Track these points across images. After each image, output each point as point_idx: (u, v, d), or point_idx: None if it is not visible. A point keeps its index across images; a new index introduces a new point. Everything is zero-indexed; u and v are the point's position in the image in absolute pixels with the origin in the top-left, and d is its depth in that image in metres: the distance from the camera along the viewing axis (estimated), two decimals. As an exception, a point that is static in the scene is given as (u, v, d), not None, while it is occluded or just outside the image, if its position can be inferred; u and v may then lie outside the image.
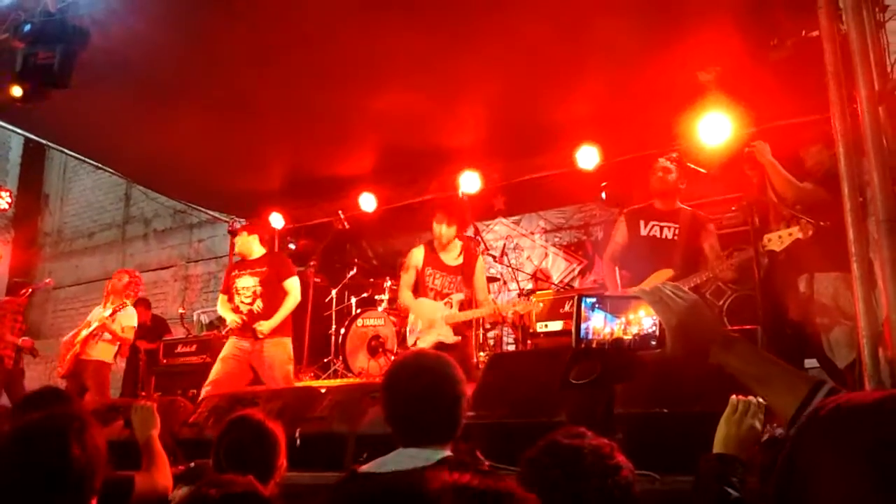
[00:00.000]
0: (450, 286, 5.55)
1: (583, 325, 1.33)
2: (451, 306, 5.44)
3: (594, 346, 1.33)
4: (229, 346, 5.93)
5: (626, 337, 1.35)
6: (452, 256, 5.62)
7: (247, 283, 6.03)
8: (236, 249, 6.49)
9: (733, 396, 1.91)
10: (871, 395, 0.85)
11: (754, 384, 1.29)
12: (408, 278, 5.68)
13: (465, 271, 5.59)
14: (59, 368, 7.01)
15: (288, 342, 6.01)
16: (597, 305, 1.35)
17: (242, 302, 6.00)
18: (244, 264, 6.22)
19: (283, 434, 2.69)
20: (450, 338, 5.36)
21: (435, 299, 5.54)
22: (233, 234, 6.76)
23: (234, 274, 6.22)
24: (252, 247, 6.21)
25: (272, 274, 6.05)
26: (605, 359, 1.38)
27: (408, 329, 5.69)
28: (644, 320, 1.36)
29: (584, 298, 1.34)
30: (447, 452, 2.15)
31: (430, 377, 2.22)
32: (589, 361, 1.40)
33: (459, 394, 2.24)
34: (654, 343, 1.36)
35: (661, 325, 1.34)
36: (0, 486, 1.87)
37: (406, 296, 5.67)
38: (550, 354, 3.97)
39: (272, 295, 5.98)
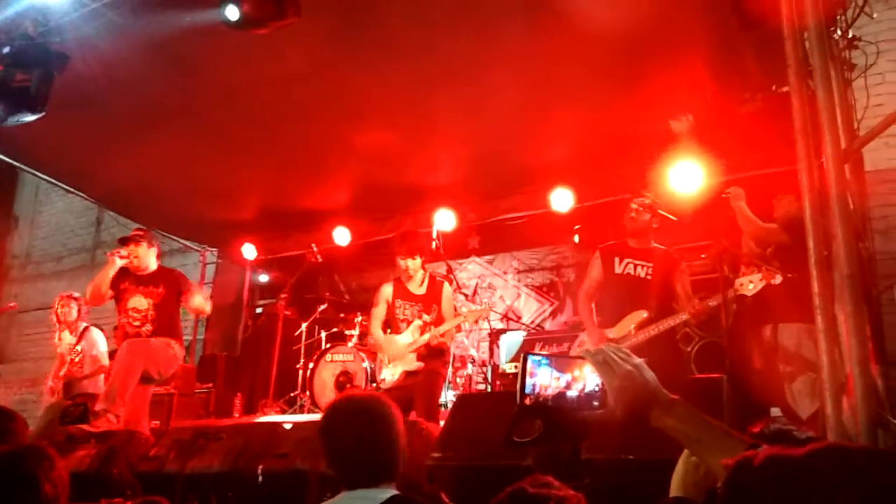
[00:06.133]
0: (418, 314, 5.59)
1: (529, 381, 1.35)
2: (411, 335, 5.50)
3: (539, 401, 1.35)
4: None
5: (570, 393, 1.38)
6: (416, 285, 5.68)
7: (138, 304, 5.54)
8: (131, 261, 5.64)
9: None
10: (798, 450, 0.89)
11: (693, 446, 1.34)
12: (379, 312, 5.72)
13: (432, 297, 5.63)
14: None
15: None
16: (543, 363, 1.37)
17: (129, 323, 5.53)
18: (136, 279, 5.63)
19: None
20: (413, 364, 5.42)
21: (406, 329, 5.59)
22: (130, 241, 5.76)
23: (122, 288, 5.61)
24: (150, 261, 5.71)
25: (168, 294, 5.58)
26: (548, 416, 1.39)
27: (376, 367, 5.77)
28: (588, 379, 1.39)
29: (530, 356, 1.37)
30: (393, 491, 2.13)
31: (365, 419, 2.21)
32: (532, 419, 1.41)
33: (396, 432, 2.23)
34: (596, 403, 1.39)
35: (603, 385, 1.37)
36: None
37: (376, 331, 5.72)
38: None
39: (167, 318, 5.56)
